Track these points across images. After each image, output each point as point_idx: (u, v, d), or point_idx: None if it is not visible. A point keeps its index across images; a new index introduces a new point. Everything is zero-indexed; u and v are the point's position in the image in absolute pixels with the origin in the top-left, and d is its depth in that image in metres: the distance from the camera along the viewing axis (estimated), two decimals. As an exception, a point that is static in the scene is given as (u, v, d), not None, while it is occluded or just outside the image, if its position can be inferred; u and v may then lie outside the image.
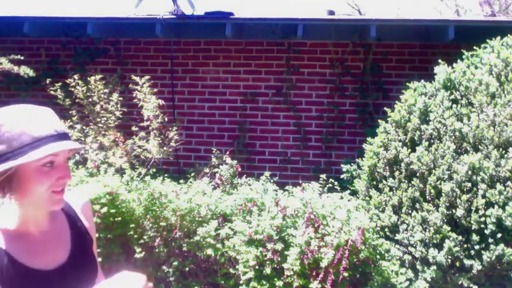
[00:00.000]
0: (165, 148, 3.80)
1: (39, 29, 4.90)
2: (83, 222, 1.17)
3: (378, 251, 2.90)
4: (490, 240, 2.53)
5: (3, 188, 0.95)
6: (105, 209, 2.94)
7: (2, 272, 0.94)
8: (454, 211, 2.65)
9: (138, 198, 3.09)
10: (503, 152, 2.65)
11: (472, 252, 2.59)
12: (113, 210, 2.99)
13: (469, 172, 2.64)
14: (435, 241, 2.68)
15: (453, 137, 2.81)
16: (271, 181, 3.52)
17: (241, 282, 2.83)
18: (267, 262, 2.77)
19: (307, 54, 4.88)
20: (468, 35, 4.23)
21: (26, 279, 0.97)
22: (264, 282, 2.73)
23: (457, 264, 2.63)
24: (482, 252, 2.54)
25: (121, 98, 3.96)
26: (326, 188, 3.46)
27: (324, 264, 2.65)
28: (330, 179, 3.54)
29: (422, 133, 2.94)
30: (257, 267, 2.79)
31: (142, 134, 3.77)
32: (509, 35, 3.12)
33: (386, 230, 2.99)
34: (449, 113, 2.86)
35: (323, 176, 3.58)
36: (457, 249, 2.59)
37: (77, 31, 4.88)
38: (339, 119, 4.81)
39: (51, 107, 1.07)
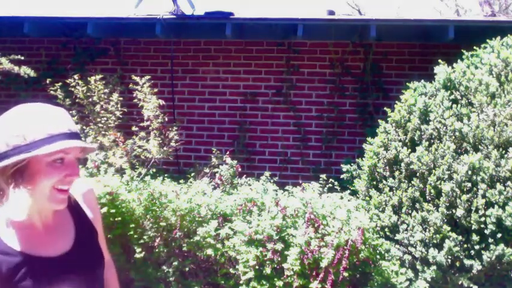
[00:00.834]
0: (165, 148, 3.80)
1: (39, 29, 4.90)
2: (85, 212, 1.19)
3: (377, 251, 2.90)
4: (490, 240, 2.53)
5: (16, 180, 0.99)
6: (105, 209, 2.94)
7: (1, 271, 0.97)
8: (454, 211, 2.65)
9: (138, 198, 3.09)
10: (503, 152, 2.65)
11: (472, 252, 2.59)
12: (113, 210, 2.99)
13: (469, 172, 2.64)
14: (435, 241, 2.68)
15: (453, 137, 2.81)
16: (271, 181, 3.52)
17: (241, 282, 2.83)
18: (267, 262, 2.77)
19: (307, 54, 4.88)
20: (468, 35, 4.23)
21: (29, 266, 1.00)
22: (264, 282, 2.73)
23: (457, 264, 2.63)
24: (482, 252, 2.54)
25: (121, 98, 3.96)
26: (326, 188, 3.46)
27: (324, 264, 2.65)
28: (330, 179, 3.54)
29: (422, 133, 2.94)
30: (257, 267, 2.79)
31: (142, 134, 3.77)
32: (509, 35, 3.11)
33: (386, 230, 3.00)
34: (449, 113, 2.86)
35: (323, 176, 3.58)
36: (457, 249, 2.59)
37: (77, 31, 4.88)
38: (339, 119, 4.81)
39: (52, 107, 1.08)
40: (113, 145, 3.72)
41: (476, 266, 2.55)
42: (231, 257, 2.92)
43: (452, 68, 3.12)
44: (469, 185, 2.63)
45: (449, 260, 2.63)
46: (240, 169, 3.74)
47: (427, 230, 2.72)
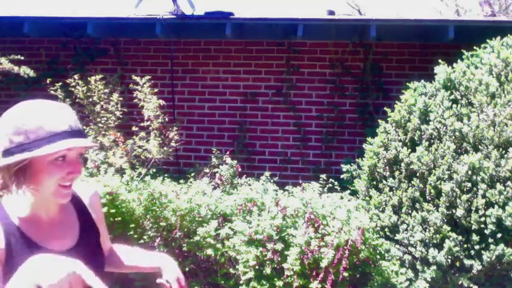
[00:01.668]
0: (165, 148, 3.80)
1: (39, 29, 4.90)
2: (90, 213, 1.23)
3: (378, 251, 2.90)
4: (490, 240, 2.53)
5: (19, 178, 1.01)
6: (105, 209, 2.94)
7: (10, 244, 1.01)
8: (454, 211, 2.65)
9: (138, 198, 3.09)
10: (503, 152, 2.65)
11: (472, 252, 2.59)
12: (113, 210, 2.99)
13: (469, 172, 2.64)
14: (435, 241, 2.68)
15: (453, 137, 2.81)
16: (271, 181, 3.52)
17: (241, 282, 2.83)
18: (267, 262, 2.77)
19: (307, 54, 4.88)
20: (468, 35, 4.23)
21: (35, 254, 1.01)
22: (264, 282, 2.73)
23: (457, 264, 2.63)
24: (482, 252, 2.54)
25: (121, 98, 3.96)
26: (326, 188, 3.46)
27: (324, 264, 2.65)
28: (330, 179, 3.54)
29: (422, 133, 2.94)
30: (257, 267, 2.79)
31: (142, 134, 3.77)
32: (509, 35, 3.11)
33: (386, 230, 3.00)
34: (449, 113, 2.86)
35: (323, 176, 3.58)
36: (457, 249, 2.59)
37: (77, 31, 4.88)
38: (339, 119, 4.81)
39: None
40: (113, 145, 3.73)
41: (476, 266, 2.55)
42: (231, 257, 2.92)
43: (452, 68, 3.12)
44: (469, 185, 2.63)
45: (449, 260, 2.63)
46: (240, 169, 3.74)
47: (427, 230, 2.72)
